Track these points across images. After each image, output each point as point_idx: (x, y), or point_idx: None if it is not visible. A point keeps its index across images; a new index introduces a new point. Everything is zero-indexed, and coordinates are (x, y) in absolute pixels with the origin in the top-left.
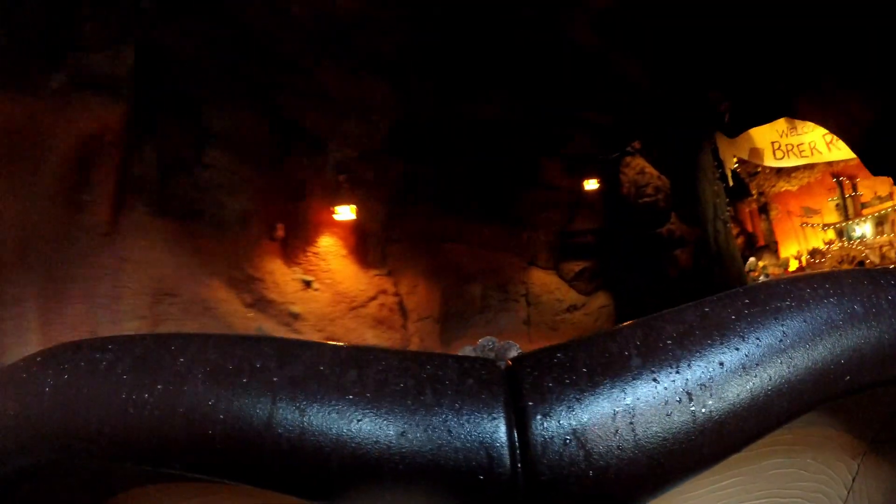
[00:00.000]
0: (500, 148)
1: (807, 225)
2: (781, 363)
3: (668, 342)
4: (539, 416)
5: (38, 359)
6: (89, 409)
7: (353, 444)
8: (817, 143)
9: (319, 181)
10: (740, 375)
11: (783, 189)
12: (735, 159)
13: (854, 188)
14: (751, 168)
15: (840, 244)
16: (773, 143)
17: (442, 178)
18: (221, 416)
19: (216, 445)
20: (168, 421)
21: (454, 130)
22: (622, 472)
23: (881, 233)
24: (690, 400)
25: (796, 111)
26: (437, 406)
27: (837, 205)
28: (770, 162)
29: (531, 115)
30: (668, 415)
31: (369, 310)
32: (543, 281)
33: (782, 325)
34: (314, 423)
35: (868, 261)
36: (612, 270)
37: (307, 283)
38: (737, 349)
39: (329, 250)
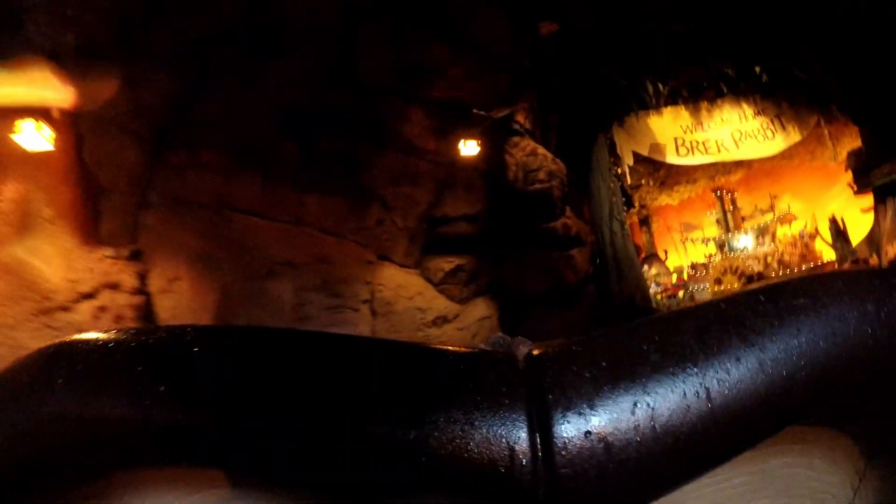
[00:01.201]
0: (339, 69)
1: (687, 240)
2: (797, 359)
3: (686, 337)
4: (559, 410)
5: None
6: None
7: (377, 437)
8: (725, 141)
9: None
10: (757, 371)
11: (664, 203)
12: (632, 156)
13: (733, 203)
14: (633, 181)
15: (722, 256)
16: (675, 139)
17: (242, 111)
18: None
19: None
20: (63, 428)
21: (255, 30)
22: (642, 465)
23: (762, 244)
24: (708, 395)
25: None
26: (460, 400)
27: (718, 219)
28: (673, 159)
29: (389, 12)
30: (686, 408)
31: (78, 315)
32: (399, 282)
33: (797, 322)
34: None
35: (752, 271)
36: (496, 271)
37: None
38: (752, 345)
39: (20, 209)
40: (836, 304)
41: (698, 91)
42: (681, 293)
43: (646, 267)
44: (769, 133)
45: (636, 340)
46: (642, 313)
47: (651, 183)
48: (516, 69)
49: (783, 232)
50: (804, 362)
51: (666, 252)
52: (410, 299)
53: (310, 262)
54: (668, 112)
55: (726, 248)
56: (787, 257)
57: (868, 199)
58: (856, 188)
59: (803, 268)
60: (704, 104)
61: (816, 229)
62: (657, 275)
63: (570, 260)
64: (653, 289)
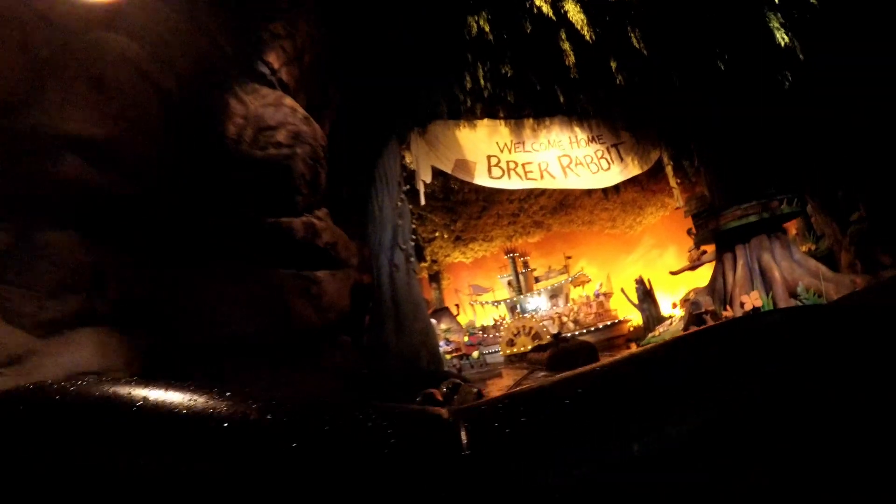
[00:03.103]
0: None
1: (476, 303)
2: (710, 411)
3: (614, 405)
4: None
5: None
6: None
7: None
8: (551, 166)
9: None
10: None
11: (457, 260)
12: (431, 171)
13: (526, 265)
14: (427, 234)
15: (514, 317)
16: (489, 157)
17: None
18: None
19: None
20: None
21: None
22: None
23: (556, 304)
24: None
25: None
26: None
27: (509, 282)
28: (483, 180)
29: None
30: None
31: None
32: None
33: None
34: None
35: (546, 331)
36: (155, 281)
37: None
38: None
39: None
40: (768, 359)
41: (524, 101)
42: (475, 353)
43: (434, 321)
44: (604, 163)
45: (574, 407)
46: (428, 380)
47: (445, 236)
48: None
49: (577, 293)
50: (717, 414)
51: (458, 306)
52: None
53: None
54: (484, 125)
55: (518, 310)
56: (581, 317)
57: (678, 262)
58: (695, 234)
59: (600, 325)
60: (529, 122)
61: (622, 290)
62: (448, 330)
63: (313, 286)
64: (442, 346)
